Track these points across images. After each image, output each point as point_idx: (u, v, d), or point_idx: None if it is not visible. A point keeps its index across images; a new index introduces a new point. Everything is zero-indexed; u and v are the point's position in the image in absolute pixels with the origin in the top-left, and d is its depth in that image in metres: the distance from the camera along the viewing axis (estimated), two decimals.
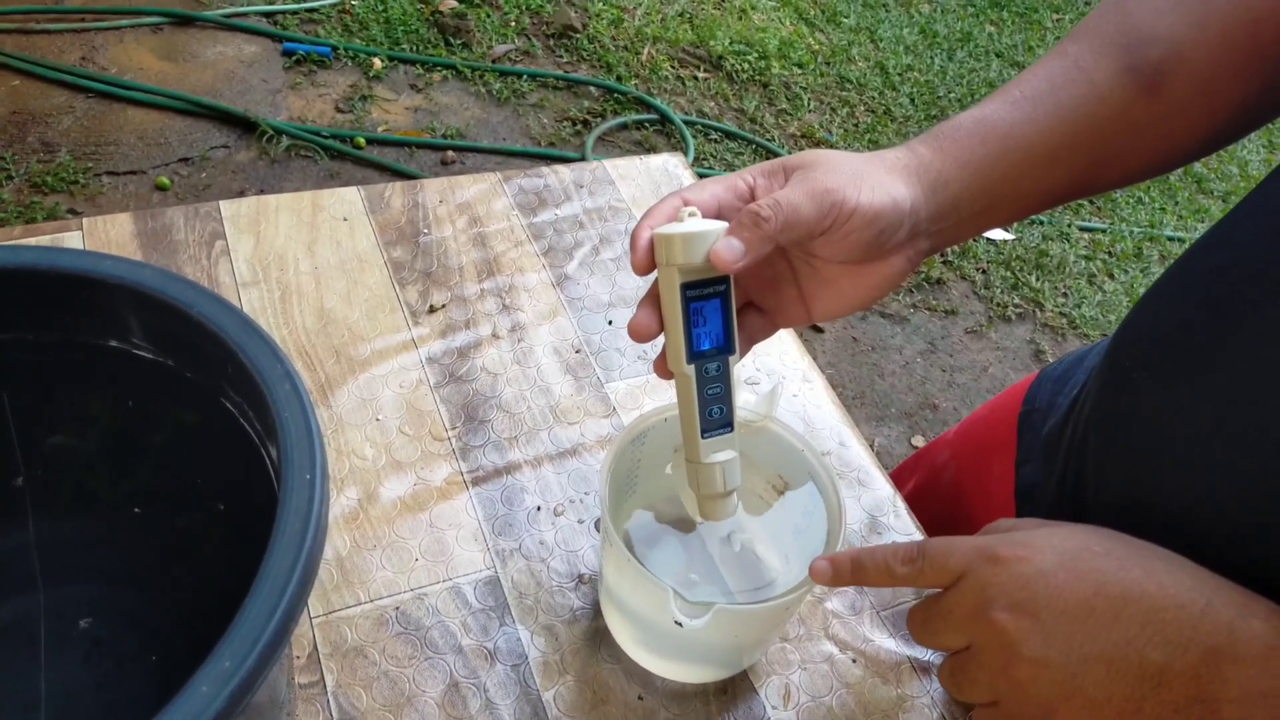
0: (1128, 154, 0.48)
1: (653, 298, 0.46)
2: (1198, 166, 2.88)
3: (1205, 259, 0.48)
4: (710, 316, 0.45)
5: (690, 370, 0.45)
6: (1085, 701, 0.38)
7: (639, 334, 0.45)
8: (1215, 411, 0.43)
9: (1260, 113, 0.48)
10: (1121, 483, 0.49)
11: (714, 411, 0.46)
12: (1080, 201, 2.61)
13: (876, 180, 0.44)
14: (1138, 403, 0.48)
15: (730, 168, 2.39)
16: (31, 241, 0.69)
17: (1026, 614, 0.38)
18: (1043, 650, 0.38)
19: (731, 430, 0.47)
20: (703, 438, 0.46)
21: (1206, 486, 0.43)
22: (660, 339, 0.46)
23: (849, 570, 0.45)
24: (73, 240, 0.70)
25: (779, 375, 0.71)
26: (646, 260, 0.44)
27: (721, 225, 0.44)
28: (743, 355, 0.48)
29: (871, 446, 1.86)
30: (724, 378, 0.46)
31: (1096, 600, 0.38)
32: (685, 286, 0.44)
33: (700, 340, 0.45)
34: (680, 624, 0.45)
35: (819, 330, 2.07)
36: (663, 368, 0.47)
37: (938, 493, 0.73)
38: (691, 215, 0.44)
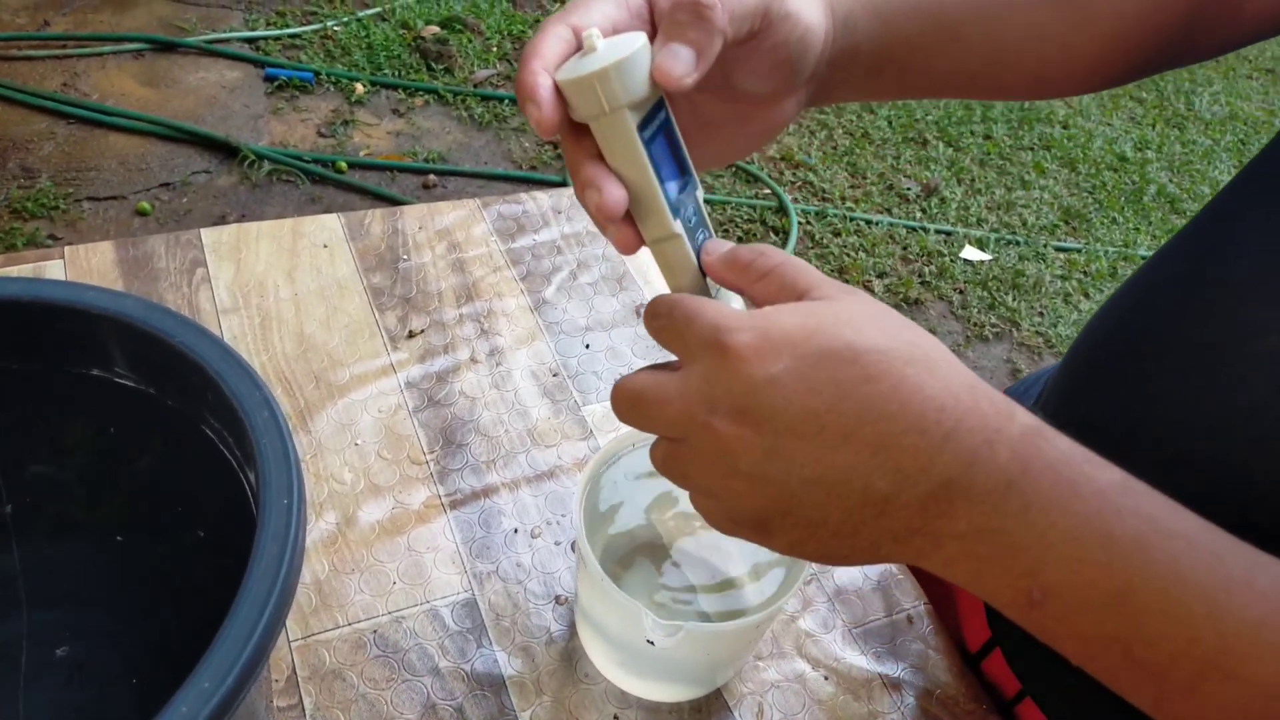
0: (1023, 53, 0.48)
1: (592, 159, 0.36)
2: (1171, 187, 2.93)
3: (1156, 274, 0.50)
4: (664, 154, 0.36)
5: (679, 227, 0.36)
6: (800, 520, 0.34)
7: (613, 210, 0.35)
8: (1173, 416, 0.44)
9: (1148, 59, 0.50)
10: None
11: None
12: (1056, 222, 2.65)
13: None
14: (1096, 415, 0.50)
15: (711, 190, 2.42)
16: (14, 271, 0.70)
17: (749, 424, 0.33)
18: (761, 467, 0.33)
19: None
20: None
21: (1166, 489, 0.45)
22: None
23: (656, 303, 0.38)
24: (55, 269, 0.70)
25: None
26: (559, 111, 0.34)
27: (640, 38, 0.34)
28: None
29: None
30: (701, 216, 0.38)
31: (828, 417, 0.32)
32: (639, 128, 0.34)
33: (669, 187, 0.36)
34: (652, 643, 0.46)
35: None
36: (631, 239, 0.38)
37: None
38: (599, 39, 0.34)
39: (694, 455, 0.35)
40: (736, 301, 0.40)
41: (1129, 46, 0.49)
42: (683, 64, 0.34)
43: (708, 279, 0.38)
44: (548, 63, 0.34)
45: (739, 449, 0.33)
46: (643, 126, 0.34)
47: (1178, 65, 0.51)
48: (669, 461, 0.36)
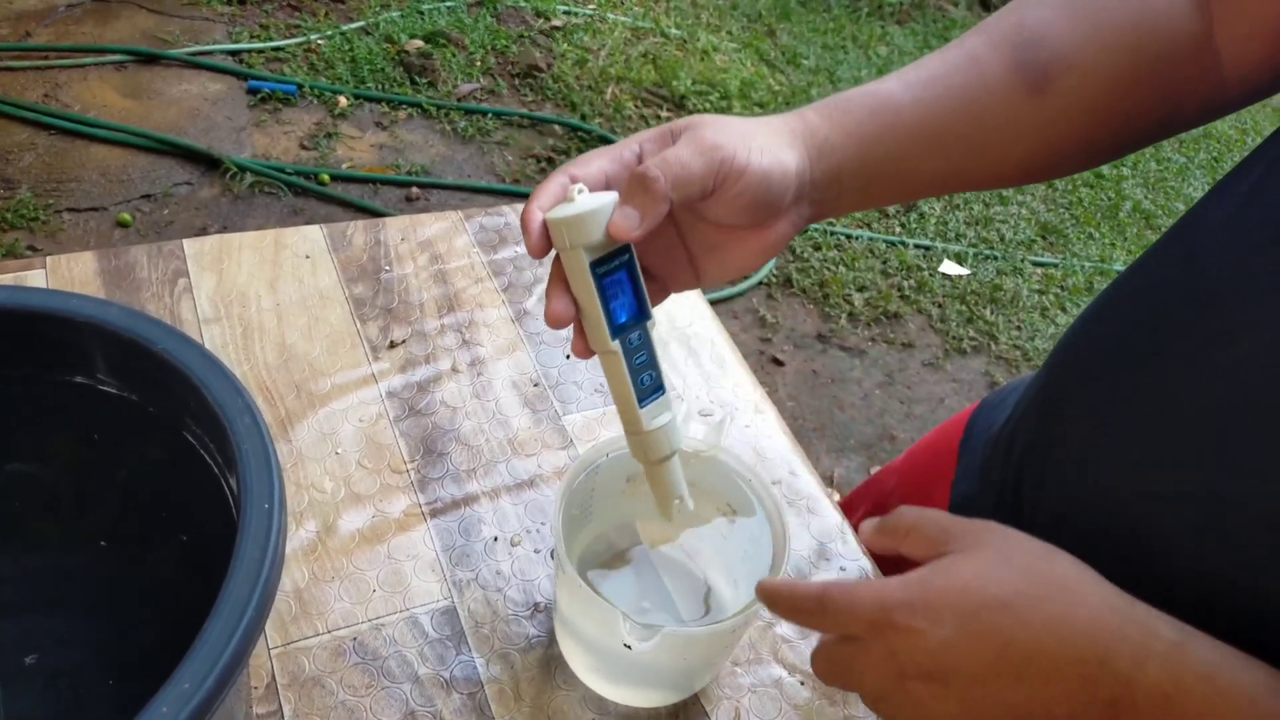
0: (1008, 148, 0.50)
1: (558, 281, 0.45)
2: (1146, 203, 2.97)
3: (1130, 285, 0.51)
4: (621, 288, 0.45)
5: (616, 345, 0.45)
6: None
7: (557, 320, 0.45)
8: (1146, 424, 0.46)
9: (1137, 133, 0.51)
10: (1058, 497, 0.52)
11: (645, 379, 0.46)
12: (1033, 237, 2.68)
13: (765, 142, 0.45)
14: (1071, 422, 0.51)
15: None
16: None
17: (938, 682, 0.39)
18: (957, 713, 0.39)
19: (664, 393, 0.47)
20: (640, 407, 0.46)
21: (1138, 498, 0.46)
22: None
23: (777, 597, 0.44)
24: (36, 278, 0.70)
25: (731, 406, 0.74)
26: (542, 243, 0.43)
27: (613, 196, 0.43)
28: None
29: (831, 479, 1.89)
30: (647, 345, 0.46)
31: (1001, 664, 0.38)
32: (594, 265, 0.43)
33: (618, 313, 0.45)
34: (629, 646, 0.47)
35: (780, 364, 2.11)
36: (582, 348, 0.47)
37: None
38: (580, 192, 0.43)
39: (900, 710, 0.41)
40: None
41: (1111, 130, 0.51)
42: (630, 223, 0.42)
43: (663, 378, 0.47)
44: (543, 204, 0.44)
45: (935, 704, 0.39)
46: (600, 263, 0.44)
47: (1172, 134, 0.53)
48: (880, 705, 0.42)
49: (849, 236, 2.46)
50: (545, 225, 0.43)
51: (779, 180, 0.45)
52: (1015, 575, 0.39)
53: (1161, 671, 0.37)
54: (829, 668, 0.43)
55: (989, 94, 0.49)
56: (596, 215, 0.42)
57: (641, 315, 0.46)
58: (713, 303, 2.16)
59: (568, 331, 0.77)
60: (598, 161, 0.46)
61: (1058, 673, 0.38)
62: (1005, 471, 0.58)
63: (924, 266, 2.45)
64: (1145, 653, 0.37)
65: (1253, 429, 0.41)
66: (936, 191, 0.52)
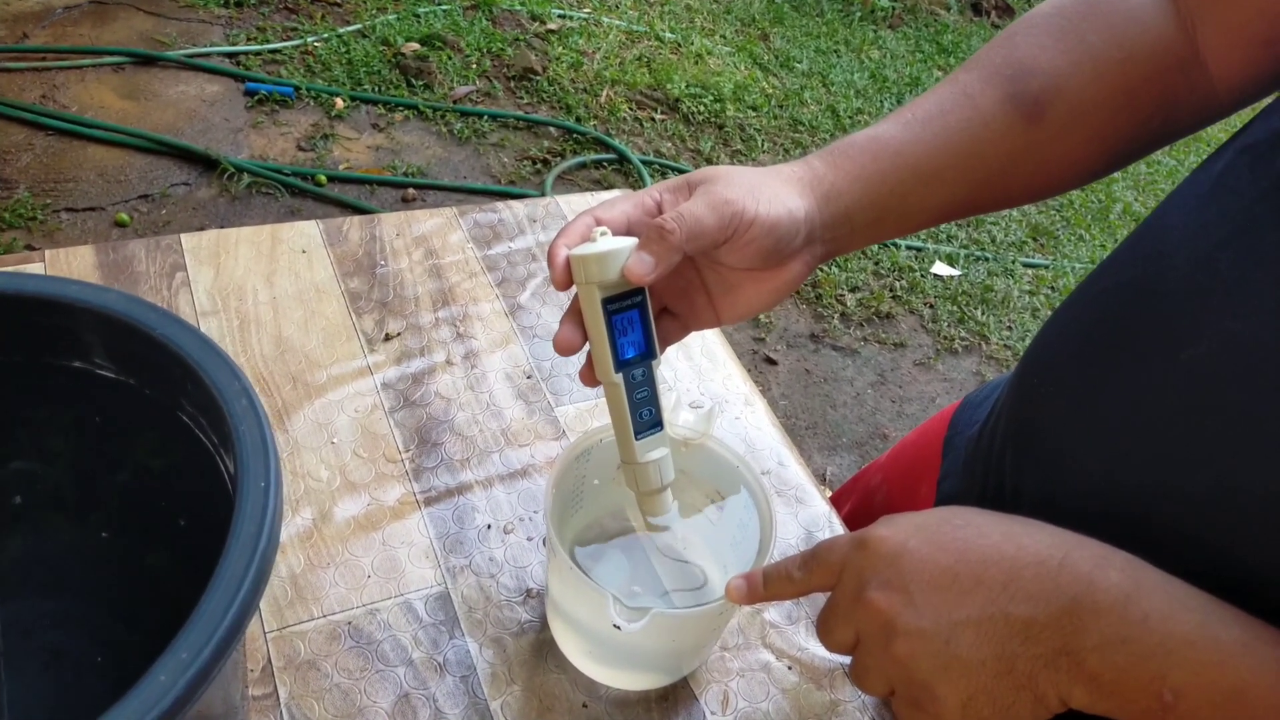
0: (1008, 176, 0.52)
1: (574, 313, 0.48)
2: (1136, 205, 2.99)
3: (1100, 283, 0.52)
4: (631, 326, 0.48)
5: (619, 378, 0.48)
6: (962, 669, 0.39)
7: (564, 349, 0.47)
8: (1115, 419, 0.47)
9: (1134, 147, 0.52)
10: (1037, 488, 0.53)
11: (644, 414, 0.49)
12: (1024, 239, 2.70)
13: (773, 193, 0.48)
14: (1047, 416, 0.52)
15: None
16: None
17: (896, 589, 0.40)
18: (915, 622, 0.39)
19: (661, 429, 0.50)
20: (636, 439, 0.49)
21: (1113, 487, 0.47)
22: (582, 352, 0.49)
23: (760, 586, 0.48)
24: (34, 271, 0.71)
25: (722, 398, 0.75)
26: (565, 278, 0.47)
27: (632, 241, 0.47)
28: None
29: (824, 476, 1.90)
30: (649, 381, 0.49)
31: (959, 567, 0.39)
32: (606, 301, 0.47)
33: (625, 349, 0.48)
34: (619, 628, 0.47)
35: (773, 363, 2.12)
36: (589, 377, 0.50)
37: (871, 514, 0.76)
38: (603, 234, 0.47)
39: (866, 643, 0.43)
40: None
41: (1107, 147, 0.52)
42: (644, 267, 0.45)
43: (661, 414, 0.50)
44: (569, 241, 0.47)
45: (893, 612, 0.40)
46: (613, 301, 0.47)
47: (1170, 142, 0.54)
48: (856, 667, 0.44)
49: None
50: (568, 261, 0.47)
51: (787, 227, 0.48)
52: (971, 512, 0.43)
53: (1121, 574, 0.38)
54: (820, 619, 0.46)
55: (985, 128, 0.50)
56: (614, 257, 0.46)
57: (648, 354, 0.49)
58: None
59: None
60: (621, 206, 0.49)
61: (1017, 574, 0.39)
62: (987, 468, 0.59)
63: (916, 267, 2.47)
64: (1105, 559, 0.38)
65: (1216, 424, 0.41)
66: (946, 220, 0.54)
